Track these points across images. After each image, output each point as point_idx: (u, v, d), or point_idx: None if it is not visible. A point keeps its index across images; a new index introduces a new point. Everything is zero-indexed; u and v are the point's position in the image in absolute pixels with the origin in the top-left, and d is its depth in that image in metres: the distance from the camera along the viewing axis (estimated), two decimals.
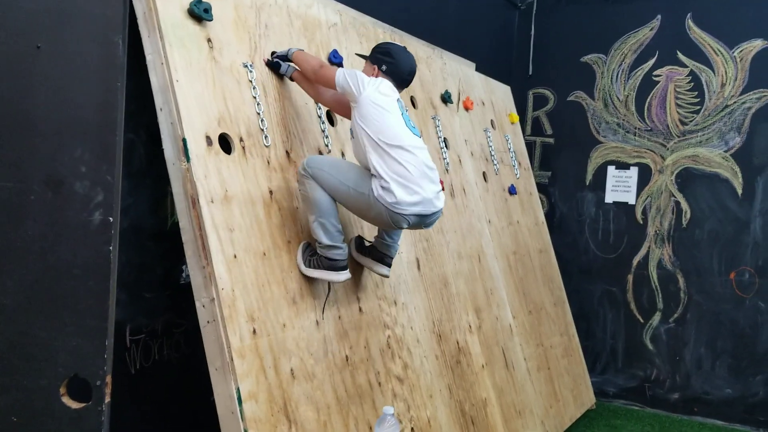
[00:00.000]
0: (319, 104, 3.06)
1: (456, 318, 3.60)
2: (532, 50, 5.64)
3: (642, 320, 5.25)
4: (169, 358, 2.84)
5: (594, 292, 5.42)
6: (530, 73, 5.64)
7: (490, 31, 5.44)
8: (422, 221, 2.65)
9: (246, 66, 2.71)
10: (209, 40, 2.57)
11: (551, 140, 5.60)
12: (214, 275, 2.30)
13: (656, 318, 5.20)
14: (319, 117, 3.05)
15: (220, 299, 2.29)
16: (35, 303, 1.62)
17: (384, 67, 2.73)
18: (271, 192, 2.64)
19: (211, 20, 2.57)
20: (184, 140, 2.34)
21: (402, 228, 2.68)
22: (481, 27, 5.29)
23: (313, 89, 2.88)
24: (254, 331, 2.38)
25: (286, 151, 2.79)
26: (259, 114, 2.70)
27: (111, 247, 1.64)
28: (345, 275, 2.65)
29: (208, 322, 2.31)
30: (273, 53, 2.85)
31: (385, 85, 2.67)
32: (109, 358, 1.66)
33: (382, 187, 2.53)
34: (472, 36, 5.09)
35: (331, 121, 3.15)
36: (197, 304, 2.33)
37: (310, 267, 2.64)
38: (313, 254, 2.67)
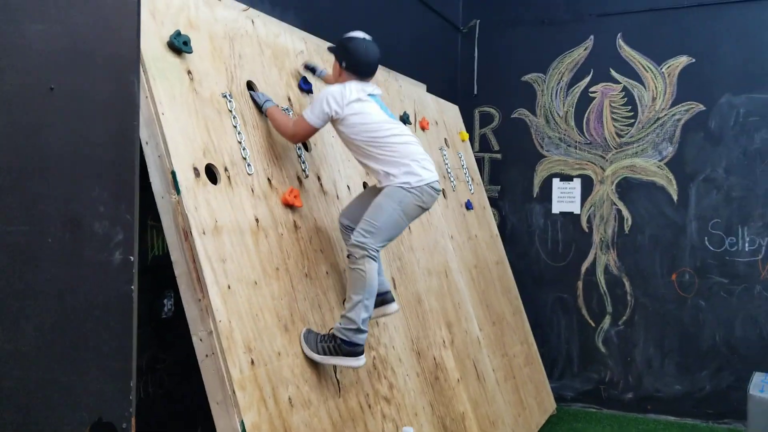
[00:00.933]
0: None
1: (431, 334, 3.67)
2: (476, 71, 5.84)
3: (593, 324, 5.48)
4: (154, 396, 2.78)
5: (547, 299, 5.62)
6: (475, 92, 5.83)
7: (437, 53, 5.60)
8: (437, 191, 2.81)
9: (225, 96, 2.72)
10: (189, 72, 2.57)
11: (499, 156, 5.80)
12: (210, 307, 2.29)
13: (606, 321, 5.44)
14: (294, 143, 3.07)
15: (218, 331, 2.28)
16: (55, 348, 1.58)
17: (344, 64, 2.84)
18: (257, 220, 2.65)
19: (191, 52, 2.57)
20: (173, 173, 2.33)
21: (433, 201, 2.78)
22: (429, 50, 5.44)
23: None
24: (252, 362, 2.37)
25: (268, 179, 2.80)
26: (240, 143, 2.71)
27: (132, 287, 1.62)
28: (363, 361, 2.61)
29: (206, 355, 2.29)
30: (250, 89, 2.87)
31: (350, 90, 2.74)
32: (133, 399, 1.63)
33: (411, 176, 2.70)
34: (421, 59, 5.23)
35: (306, 147, 3.18)
36: (194, 338, 2.31)
37: (325, 354, 2.57)
38: (323, 340, 2.59)
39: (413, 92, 4.67)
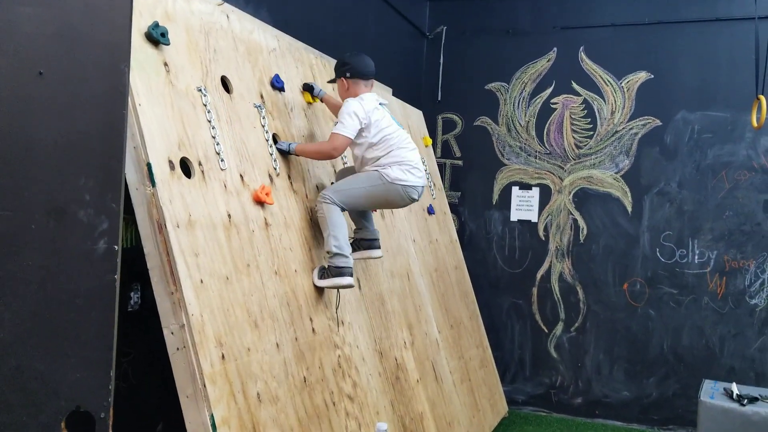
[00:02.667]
0: (267, 128, 3.09)
1: (393, 335, 3.71)
2: (441, 77, 5.92)
3: (546, 330, 5.61)
4: (118, 389, 2.74)
5: (502, 305, 5.73)
6: (439, 98, 5.91)
7: (402, 58, 5.66)
8: (421, 192, 3.27)
9: (200, 90, 2.71)
10: (165, 64, 2.55)
11: (460, 162, 5.89)
12: (183, 301, 2.28)
13: (559, 328, 5.58)
14: (267, 141, 3.07)
15: (190, 325, 2.27)
16: (34, 335, 1.56)
17: (347, 74, 3.26)
18: (229, 216, 2.64)
19: (168, 44, 2.55)
20: (148, 165, 2.31)
21: (415, 199, 3.24)
22: (395, 54, 5.50)
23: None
24: (223, 356, 2.37)
25: (240, 175, 2.80)
26: (214, 138, 2.70)
27: (116, 276, 1.61)
28: (349, 280, 3.05)
29: (177, 348, 2.28)
30: (275, 141, 3.16)
31: (367, 102, 3.18)
32: (112, 389, 1.62)
33: (392, 171, 3.13)
34: (387, 63, 5.27)
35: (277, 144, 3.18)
36: (165, 332, 2.30)
37: (321, 279, 3.07)
38: (320, 271, 3.10)
39: (380, 95, 4.70)
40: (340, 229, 3.09)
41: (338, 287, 3.08)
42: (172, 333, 2.28)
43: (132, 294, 2.78)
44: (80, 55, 1.58)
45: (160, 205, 2.30)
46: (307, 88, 3.52)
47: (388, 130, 3.20)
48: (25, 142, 1.54)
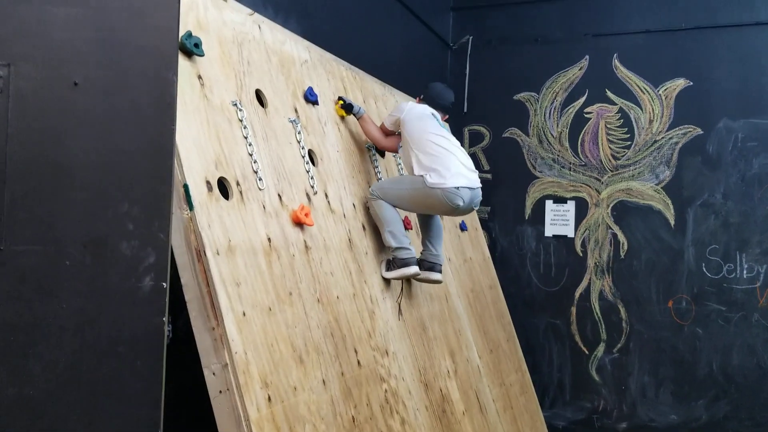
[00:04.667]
0: (303, 144, 2.87)
1: (437, 364, 3.46)
2: (467, 88, 5.70)
3: (587, 352, 5.34)
4: None
5: (538, 325, 5.46)
6: (465, 110, 5.69)
7: (426, 69, 5.45)
8: (473, 198, 3.26)
9: (235, 104, 2.49)
10: (200, 77, 2.34)
11: (489, 176, 5.65)
12: (225, 336, 2.05)
13: (600, 349, 5.30)
14: (303, 157, 2.85)
15: (234, 364, 2.04)
16: (70, 392, 1.33)
17: (421, 96, 3.59)
18: (269, 239, 2.41)
19: (203, 56, 2.35)
20: (185, 186, 2.09)
21: (458, 206, 3.19)
22: (419, 65, 5.29)
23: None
24: (269, 398, 2.13)
25: (278, 194, 2.58)
26: (251, 155, 2.48)
27: (164, 319, 1.38)
28: (415, 269, 3.22)
29: (220, 391, 2.04)
30: (342, 98, 3.38)
31: (419, 108, 3.40)
32: None
33: (431, 176, 3.15)
34: (411, 73, 5.07)
35: (313, 161, 2.96)
36: (206, 372, 2.06)
37: (388, 271, 3.23)
38: (389, 263, 3.25)
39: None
40: (394, 224, 3.24)
41: (405, 277, 3.26)
42: (214, 374, 2.04)
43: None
44: (121, 62, 1.37)
45: (198, 231, 2.08)
46: (346, 107, 3.40)
47: (435, 137, 3.26)
48: (57, 164, 1.32)
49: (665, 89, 5.19)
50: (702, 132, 5.08)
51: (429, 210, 3.37)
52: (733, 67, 5.01)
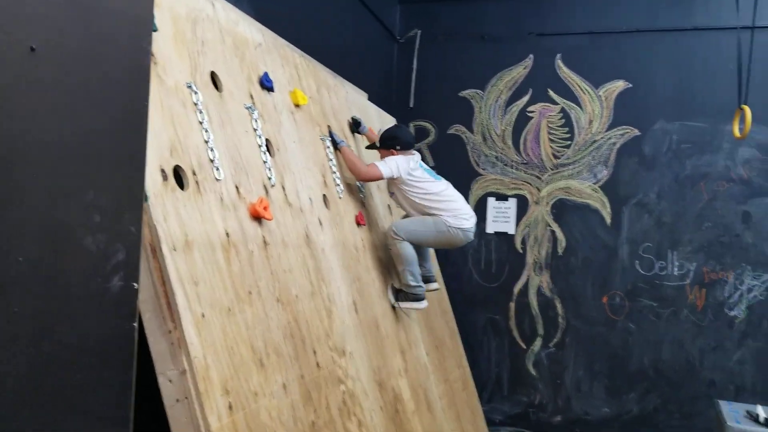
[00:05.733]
0: (260, 133, 2.70)
1: (389, 363, 3.37)
2: (413, 83, 5.63)
3: (524, 347, 5.39)
4: None
5: (478, 321, 5.47)
6: (411, 105, 5.62)
7: (374, 62, 5.34)
8: (474, 231, 3.80)
9: (189, 86, 2.31)
10: (152, 55, 2.14)
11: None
12: (184, 341, 1.88)
13: (537, 344, 5.36)
14: (260, 147, 2.69)
15: (193, 370, 1.87)
16: (27, 406, 1.15)
17: (398, 147, 3.71)
18: (228, 234, 2.25)
19: (156, 30, 2.15)
20: None
21: (470, 239, 3.78)
22: (367, 58, 5.17)
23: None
24: (230, 406, 1.97)
25: (236, 186, 2.41)
26: (207, 142, 2.30)
27: (134, 324, 1.22)
28: (425, 304, 3.73)
29: (177, 400, 1.87)
30: (330, 132, 3.56)
31: (406, 161, 3.64)
32: None
33: (451, 219, 3.66)
34: (360, 67, 4.95)
35: (270, 151, 2.80)
36: (161, 379, 1.88)
37: (401, 301, 3.70)
38: (398, 292, 3.71)
39: (358, 100, 4.38)
40: (414, 264, 3.67)
41: (417, 309, 3.77)
42: (171, 381, 1.87)
43: None
44: (88, 26, 1.18)
45: (153, 224, 1.89)
46: (355, 124, 3.89)
47: (435, 187, 3.72)
48: (10, 143, 1.13)
49: (605, 90, 5.29)
50: (639, 133, 5.21)
51: (448, 245, 3.90)
52: (670, 71, 5.15)
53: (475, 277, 5.50)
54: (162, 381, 1.87)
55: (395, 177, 3.62)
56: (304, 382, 2.43)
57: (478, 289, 5.49)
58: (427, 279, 3.92)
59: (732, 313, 5.01)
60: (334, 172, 3.44)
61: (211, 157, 2.30)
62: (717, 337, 5.02)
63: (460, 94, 5.57)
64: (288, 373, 2.34)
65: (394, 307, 3.71)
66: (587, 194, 5.31)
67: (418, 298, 3.67)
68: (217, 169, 2.30)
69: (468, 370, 5.05)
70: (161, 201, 1.96)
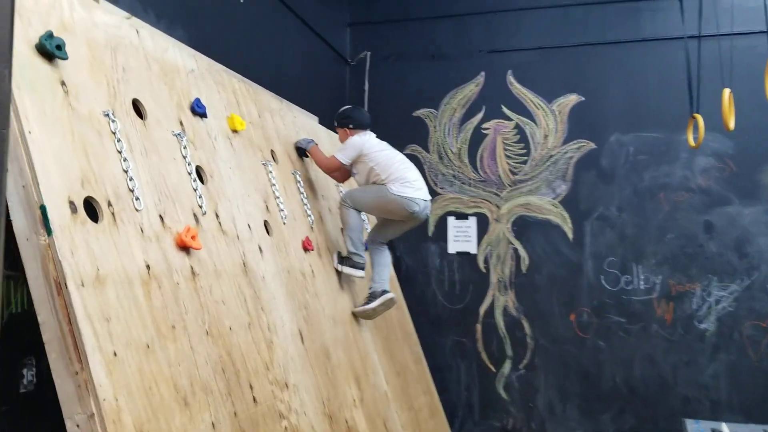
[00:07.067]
0: (189, 160, 2.61)
1: (341, 393, 3.25)
2: (366, 105, 5.58)
3: (494, 369, 5.28)
4: None
5: (445, 344, 5.36)
6: None
7: (326, 85, 5.28)
8: (424, 208, 3.81)
9: (107, 115, 2.21)
10: (63, 83, 2.05)
11: None
12: (92, 382, 1.76)
13: (507, 366, 5.25)
14: (189, 174, 2.59)
15: (102, 413, 1.75)
16: None
17: (351, 126, 3.88)
18: (148, 267, 2.14)
19: (66, 58, 2.06)
20: (42, 207, 1.80)
21: (414, 211, 3.74)
22: (318, 81, 5.12)
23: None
24: None
25: (160, 216, 2.30)
26: (126, 171, 2.20)
27: None
28: (362, 273, 3.82)
29: None
30: (296, 143, 3.89)
31: (367, 138, 3.86)
32: None
33: (395, 187, 3.70)
34: (311, 90, 4.89)
35: (201, 179, 2.70)
36: (68, 423, 1.76)
37: (342, 265, 3.79)
38: (341, 259, 3.81)
39: (307, 124, 4.31)
40: (355, 230, 3.81)
41: (353, 277, 3.85)
42: (78, 426, 1.75)
43: (25, 371, 2.20)
44: None
45: (58, 259, 1.78)
46: (300, 152, 3.91)
47: (389, 156, 3.82)
48: None
49: (558, 104, 5.27)
50: (595, 146, 5.19)
51: (390, 214, 3.85)
52: (622, 83, 5.15)
53: (439, 298, 5.40)
54: (69, 426, 1.75)
55: (354, 157, 3.76)
56: (238, 420, 2.31)
57: (443, 311, 5.39)
58: (384, 291, 3.92)
59: (702, 326, 4.95)
60: (278, 198, 3.35)
61: (131, 187, 2.20)
62: (689, 352, 4.95)
63: (414, 114, 5.53)
64: (218, 411, 2.21)
65: (338, 271, 3.80)
66: (547, 210, 5.26)
67: (356, 266, 3.79)
68: (138, 198, 2.20)
69: (436, 396, 4.92)
70: (68, 234, 1.85)
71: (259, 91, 3.72)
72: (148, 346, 2.00)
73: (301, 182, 3.75)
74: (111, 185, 2.11)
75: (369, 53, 5.63)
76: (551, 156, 5.28)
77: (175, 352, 2.11)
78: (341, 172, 3.96)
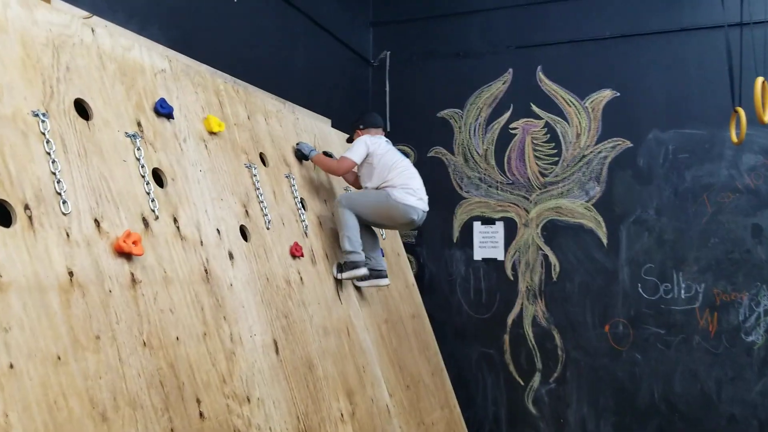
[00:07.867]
0: (144, 162, 2.50)
1: (325, 407, 3.06)
2: (388, 106, 5.39)
3: (522, 383, 4.96)
4: None
5: (471, 355, 5.09)
6: (388, 129, 5.37)
7: (344, 87, 5.14)
8: (423, 217, 3.75)
9: (37, 115, 2.12)
10: None
11: None
12: None
13: (536, 379, 4.93)
14: (143, 177, 2.48)
15: None
16: None
17: (361, 126, 3.91)
18: (71, 274, 2.02)
19: None
20: None
21: (413, 220, 3.68)
22: (335, 83, 4.97)
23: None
24: None
25: (95, 220, 2.19)
26: (54, 174, 2.10)
27: None
28: (363, 271, 3.62)
29: None
30: (297, 146, 3.77)
31: (378, 140, 3.79)
32: None
33: (396, 193, 3.64)
34: (325, 92, 4.75)
35: (160, 183, 2.59)
36: None
37: (340, 272, 3.60)
38: (340, 267, 3.62)
39: (314, 126, 4.17)
40: (351, 229, 3.64)
41: (354, 278, 3.64)
42: None
43: None
44: None
45: None
46: (300, 156, 3.75)
47: (394, 160, 3.73)
48: None
49: (591, 101, 4.93)
50: (632, 144, 4.81)
51: (388, 221, 3.78)
52: (660, 76, 4.77)
53: (464, 307, 5.14)
54: None
55: (363, 155, 3.69)
56: None
57: (468, 321, 5.12)
58: (378, 273, 3.82)
59: (749, 339, 4.49)
60: (262, 202, 3.21)
61: (58, 190, 2.09)
62: (734, 366, 4.51)
63: (438, 115, 5.30)
64: (148, 427, 2.07)
65: (338, 279, 3.63)
66: (580, 213, 4.92)
67: (356, 266, 3.61)
68: (65, 202, 2.09)
69: (457, 411, 4.66)
70: None
71: (254, 93, 3.60)
72: (59, 358, 1.88)
73: (296, 186, 3.60)
74: (32, 188, 2.00)
75: (389, 53, 5.45)
76: (584, 156, 4.93)
77: (96, 363, 1.99)
78: (354, 175, 3.95)
